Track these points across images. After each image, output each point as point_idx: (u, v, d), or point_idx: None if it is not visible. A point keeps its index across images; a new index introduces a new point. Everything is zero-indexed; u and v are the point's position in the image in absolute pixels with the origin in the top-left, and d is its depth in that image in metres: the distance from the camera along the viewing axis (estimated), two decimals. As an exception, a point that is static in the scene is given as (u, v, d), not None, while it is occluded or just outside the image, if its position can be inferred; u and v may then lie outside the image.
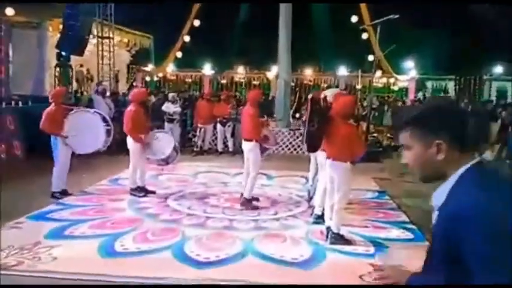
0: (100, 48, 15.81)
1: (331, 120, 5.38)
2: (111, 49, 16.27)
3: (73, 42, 12.01)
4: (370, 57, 22.81)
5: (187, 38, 24.64)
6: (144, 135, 7.02)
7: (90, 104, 11.85)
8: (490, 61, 24.85)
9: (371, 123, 15.42)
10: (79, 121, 7.16)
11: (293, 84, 26.75)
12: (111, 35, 16.09)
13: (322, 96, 5.91)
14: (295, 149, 12.82)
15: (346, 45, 22.34)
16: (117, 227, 5.85)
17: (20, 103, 11.07)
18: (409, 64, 24.95)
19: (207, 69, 27.76)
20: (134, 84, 24.18)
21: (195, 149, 12.26)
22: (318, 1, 22.50)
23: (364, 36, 21.81)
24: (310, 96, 6.16)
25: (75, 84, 17.88)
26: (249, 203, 7.01)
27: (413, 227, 6.30)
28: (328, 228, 5.60)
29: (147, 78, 26.64)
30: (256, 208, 6.96)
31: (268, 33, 19.08)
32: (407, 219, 6.65)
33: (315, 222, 6.22)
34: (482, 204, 1.36)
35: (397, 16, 12.63)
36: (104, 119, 7.42)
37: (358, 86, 24.97)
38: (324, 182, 5.90)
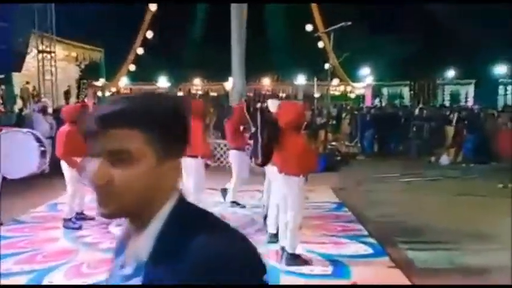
0: (41, 63, 14.97)
1: (280, 132, 4.97)
2: (53, 63, 15.44)
3: (8, 57, 11.21)
4: (327, 66, 22.82)
5: (140, 51, 23.97)
6: (79, 159, 6.36)
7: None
8: (442, 66, 25.33)
9: (329, 131, 15.26)
10: (8, 142, 6.46)
11: (251, 94, 26.63)
12: (52, 49, 15.26)
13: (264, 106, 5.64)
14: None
15: (302, 53, 22.29)
16: (48, 260, 5.21)
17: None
18: (365, 71, 25.14)
19: (163, 82, 27.16)
20: (86, 100, 23.30)
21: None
22: (274, 1, 22.22)
23: (320, 44, 21.77)
24: (258, 106, 5.79)
25: (19, 103, 16.97)
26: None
27: (373, 240, 5.95)
28: (283, 249, 5.17)
29: (99, 94, 25.76)
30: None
31: (224, 43, 18.76)
32: (366, 232, 6.30)
33: (269, 242, 5.77)
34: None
35: (349, 23, 12.51)
36: (38, 139, 6.77)
37: (316, 95, 25.00)
38: (277, 197, 5.49)
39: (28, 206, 7.40)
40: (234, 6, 13.20)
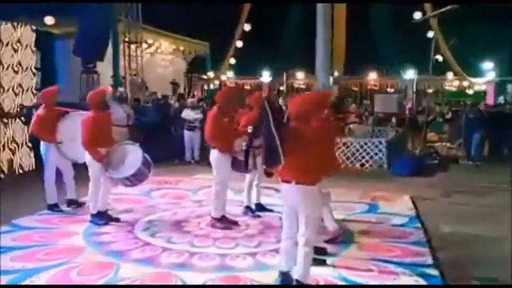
0: (127, 52, 15.14)
1: (290, 130, 3.88)
2: (139, 54, 15.60)
3: (89, 46, 11.31)
4: (439, 58, 20.59)
5: (239, 44, 23.67)
6: (104, 149, 5.85)
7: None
8: None
9: (431, 131, 13.44)
10: (75, 126, 6.12)
11: (356, 89, 25.05)
12: (138, 39, 15.39)
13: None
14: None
15: (410, 45, 20.24)
16: (46, 259, 4.73)
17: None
18: (487, 65, 22.19)
19: (266, 76, 26.72)
20: (195, 93, 23.62)
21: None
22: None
23: (430, 34, 19.56)
24: (264, 98, 4.75)
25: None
26: (220, 222, 5.87)
27: (435, 272, 4.60)
28: (284, 274, 4.11)
29: (205, 87, 26.05)
30: (229, 228, 5.76)
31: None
32: (430, 261, 4.92)
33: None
34: None
35: (456, 6, 10.76)
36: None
37: (429, 90, 22.73)
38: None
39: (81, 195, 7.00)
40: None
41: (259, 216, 6.41)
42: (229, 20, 23.05)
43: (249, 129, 4.15)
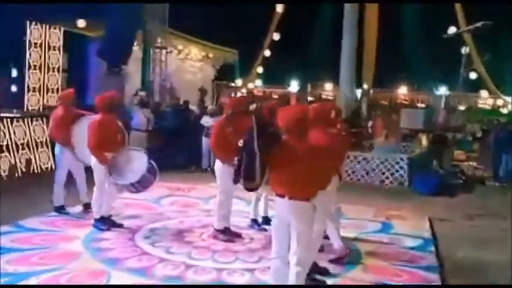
0: (158, 58, 15.23)
1: (282, 143, 3.70)
2: (163, 59, 15.71)
3: (113, 49, 11.38)
4: (473, 75, 20.03)
5: (267, 53, 23.56)
6: (110, 154, 5.78)
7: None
8: None
9: (457, 148, 13.00)
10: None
11: (386, 103, 24.60)
12: (169, 45, 15.48)
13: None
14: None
15: (442, 59, 19.67)
16: (40, 263, 4.66)
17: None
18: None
19: (294, 86, 26.55)
20: (222, 100, 23.65)
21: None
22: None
23: (464, 50, 18.98)
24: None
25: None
26: (223, 234, 5.69)
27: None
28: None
29: (232, 95, 26.04)
30: (231, 241, 5.56)
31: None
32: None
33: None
34: None
35: (490, 23, 10.41)
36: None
37: (461, 107, 22.08)
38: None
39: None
40: (347, 11, 11.97)
41: (265, 229, 6.20)
42: (259, 29, 23.00)
43: (240, 143, 3.97)
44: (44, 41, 11.23)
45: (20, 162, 9.32)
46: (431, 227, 7.03)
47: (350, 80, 12.40)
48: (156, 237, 5.75)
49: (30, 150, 9.56)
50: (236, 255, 5.21)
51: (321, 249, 5.34)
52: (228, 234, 5.71)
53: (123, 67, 13.11)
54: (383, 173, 10.36)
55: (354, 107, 12.92)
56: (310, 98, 26.00)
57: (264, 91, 27.11)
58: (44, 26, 11.16)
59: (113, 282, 4.33)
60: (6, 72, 11.83)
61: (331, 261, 5.09)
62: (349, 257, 5.30)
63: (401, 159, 10.39)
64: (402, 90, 24.41)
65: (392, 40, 20.65)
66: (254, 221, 6.36)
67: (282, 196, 3.70)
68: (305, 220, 3.66)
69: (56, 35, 11.56)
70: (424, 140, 13.17)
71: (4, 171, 8.90)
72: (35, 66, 11.19)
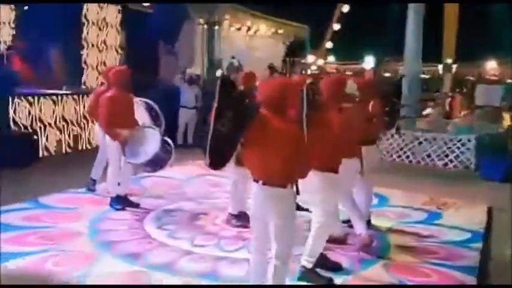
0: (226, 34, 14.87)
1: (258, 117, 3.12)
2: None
3: (166, 26, 11.20)
4: None
5: (336, 27, 22.44)
6: (124, 130, 5.47)
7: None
8: None
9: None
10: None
11: (472, 78, 22.64)
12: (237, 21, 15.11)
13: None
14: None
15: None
16: (36, 243, 4.50)
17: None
18: None
19: (369, 61, 25.25)
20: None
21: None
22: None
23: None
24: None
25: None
26: (236, 219, 5.25)
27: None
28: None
29: (303, 72, 25.33)
30: (244, 226, 4.99)
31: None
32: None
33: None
34: None
35: None
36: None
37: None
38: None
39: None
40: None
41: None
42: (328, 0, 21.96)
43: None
44: (101, 19, 11.30)
45: (69, 138, 9.48)
46: (490, 218, 6.06)
47: (416, 53, 11.24)
48: (166, 219, 5.42)
49: (79, 126, 9.69)
50: (244, 243, 4.71)
51: (342, 241, 4.78)
52: (243, 219, 5.22)
53: (177, 44, 13.00)
54: (446, 155, 9.26)
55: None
56: (387, 74, 24.60)
57: (336, 68, 26.10)
58: (100, 4, 11.21)
59: (97, 267, 4.04)
60: (64, 50, 12.11)
61: (357, 250, 4.61)
62: (372, 250, 4.64)
63: (469, 140, 9.22)
64: (491, 65, 22.31)
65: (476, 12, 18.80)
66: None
67: (257, 181, 3.15)
68: (281, 210, 3.09)
69: (113, 13, 11.60)
70: (509, 120, 11.71)
71: (52, 147, 9.10)
72: (92, 44, 11.31)
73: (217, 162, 3.02)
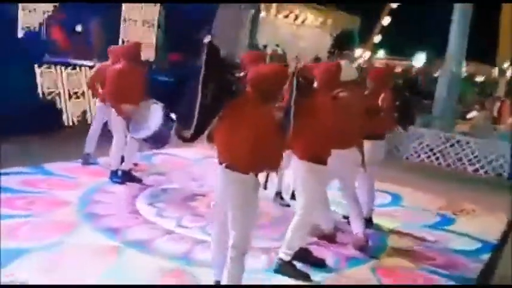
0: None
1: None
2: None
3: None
4: None
5: (386, 21, 21.61)
6: (129, 105, 5.38)
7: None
8: None
9: None
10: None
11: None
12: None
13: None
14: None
15: None
16: (22, 207, 4.48)
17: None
18: None
19: (419, 59, 24.32)
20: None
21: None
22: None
23: None
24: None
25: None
26: None
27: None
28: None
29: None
30: None
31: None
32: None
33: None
34: None
35: None
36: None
37: None
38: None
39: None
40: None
41: (288, 205, 5.42)
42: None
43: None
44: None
45: (91, 109, 9.55)
46: (508, 231, 5.60)
47: (458, 54, 10.60)
48: (162, 197, 5.31)
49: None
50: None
51: (332, 238, 4.52)
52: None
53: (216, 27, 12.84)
54: (478, 160, 8.68)
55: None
56: (435, 74, 23.58)
57: (386, 63, 25.28)
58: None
59: (71, 238, 3.97)
60: (103, 23, 12.22)
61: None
62: (367, 250, 4.36)
63: (506, 146, 8.60)
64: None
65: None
66: (278, 194, 5.59)
67: (220, 163, 2.96)
68: (240, 197, 2.88)
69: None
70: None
71: (77, 117, 9.20)
72: (131, 19, 11.35)
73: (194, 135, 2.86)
